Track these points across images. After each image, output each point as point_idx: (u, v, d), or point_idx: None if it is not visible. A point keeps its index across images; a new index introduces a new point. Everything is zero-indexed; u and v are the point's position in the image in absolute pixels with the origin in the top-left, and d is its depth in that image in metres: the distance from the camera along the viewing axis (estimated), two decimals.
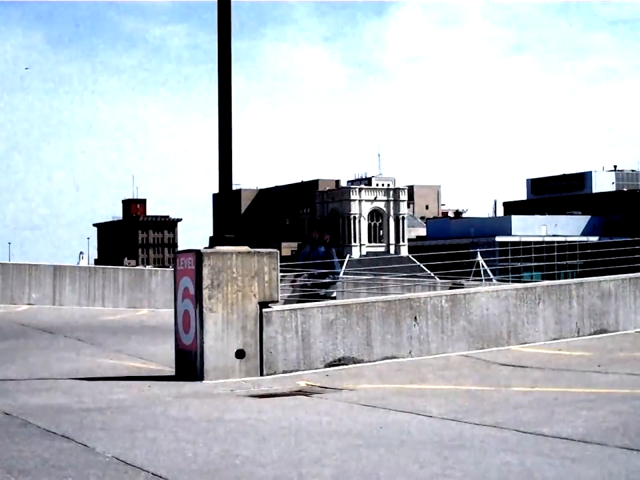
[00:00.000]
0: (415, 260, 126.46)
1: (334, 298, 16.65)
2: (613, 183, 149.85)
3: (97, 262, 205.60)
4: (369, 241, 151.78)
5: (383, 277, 39.15)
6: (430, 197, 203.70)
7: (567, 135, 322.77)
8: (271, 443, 7.64)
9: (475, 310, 14.54)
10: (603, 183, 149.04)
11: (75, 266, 35.78)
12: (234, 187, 14.54)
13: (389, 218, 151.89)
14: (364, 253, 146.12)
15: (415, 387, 11.42)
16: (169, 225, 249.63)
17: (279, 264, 12.63)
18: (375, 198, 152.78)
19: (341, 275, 18.29)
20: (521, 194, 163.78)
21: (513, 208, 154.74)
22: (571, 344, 15.08)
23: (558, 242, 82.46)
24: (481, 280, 34.65)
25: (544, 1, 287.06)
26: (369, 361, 13.33)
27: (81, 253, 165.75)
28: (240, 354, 12.17)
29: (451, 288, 27.62)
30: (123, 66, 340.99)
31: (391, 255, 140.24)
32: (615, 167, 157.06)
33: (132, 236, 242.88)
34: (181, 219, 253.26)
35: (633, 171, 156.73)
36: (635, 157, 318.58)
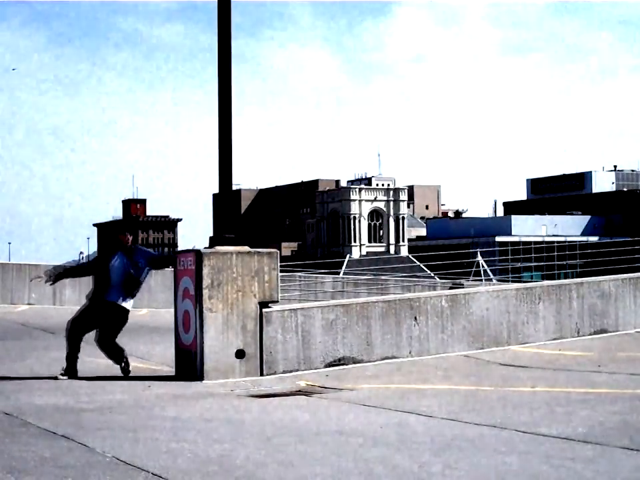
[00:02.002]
0: (415, 260, 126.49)
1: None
2: (612, 183, 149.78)
3: None
4: (369, 241, 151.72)
5: (383, 277, 39.23)
6: (430, 197, 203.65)
7: (567, 135, 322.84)
8: (270, 443, 7.64)
9: (475, 310, 14.54)
10: (603, 183, 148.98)
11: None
12: (234, 187, 14.51)
13: (388, 218, 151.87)
14: (364, 252, 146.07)
15: (414, 387, 11.41)
16: (169, 224, 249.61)
17: (278, 264, 12.63)
18: (375, 198, 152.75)
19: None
20: (521, 194, 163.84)
21: (512, 208, 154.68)
22: (571, 344, 15.08)
23: (558, 242, 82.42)
24: (481, 280, 34.64)
25: (544, 1, 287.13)
26: (369, 361, 13.32)
27: (81, 252, 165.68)
28: (240, 354, 12.17)
29: (451, 288, 27.64)
30: (122, 65, 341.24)
31: (391, 254, 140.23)
32: (615, 167, 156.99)
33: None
34: (181, 219, 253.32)
35: (633, 171, 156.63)
36: (635, 157, 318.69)
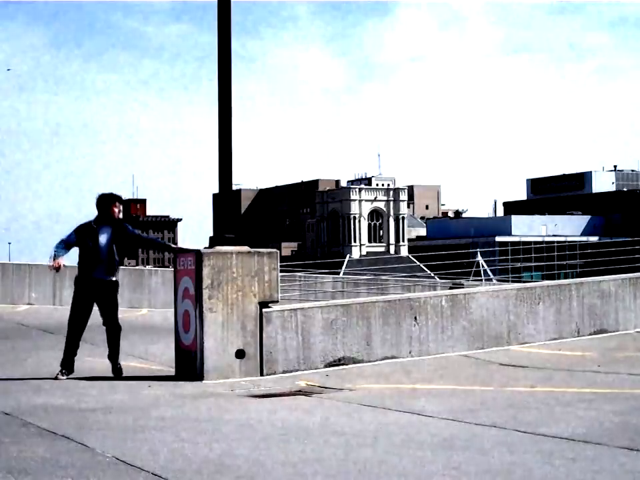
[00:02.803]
0: (415, 260, 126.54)
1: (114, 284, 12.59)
2: (612, 183, 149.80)
3: None
4: (369, 241, 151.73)
5: (383, 277, 39.22)
6: (430, 197, 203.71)
7: (567, 135, 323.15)
8: (270, 443, 7.64)
9: (475, 310, 14.54)
10: (603, 183, 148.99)
11: (75, 266, 35.72)
12: (234, 187, 14.50)
13: (388, 218, 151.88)
14: (364, 252, 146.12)
15: (415, 387, 11.41)
16: (169, 224, 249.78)
17: (278, 264, 12.63)
18: (375, 198, 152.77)
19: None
20: (521, 194, 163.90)
21: (512, 208, 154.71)
22: (570, 344, 15.08)
23: (558, 242, 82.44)
24: (481, 280, 34.66)
25: (544, 1, 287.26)
26: (369, 361, 13.32)
27: None
28: (240, 354, 12.17)
29: (451, 288, 27.65)
30: (122, 66, 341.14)
31: (391, 254, 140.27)
32: (615, 167, 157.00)
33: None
34: (180, 219, 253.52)
35: (633, 171, 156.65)
36: (635, 157, 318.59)
